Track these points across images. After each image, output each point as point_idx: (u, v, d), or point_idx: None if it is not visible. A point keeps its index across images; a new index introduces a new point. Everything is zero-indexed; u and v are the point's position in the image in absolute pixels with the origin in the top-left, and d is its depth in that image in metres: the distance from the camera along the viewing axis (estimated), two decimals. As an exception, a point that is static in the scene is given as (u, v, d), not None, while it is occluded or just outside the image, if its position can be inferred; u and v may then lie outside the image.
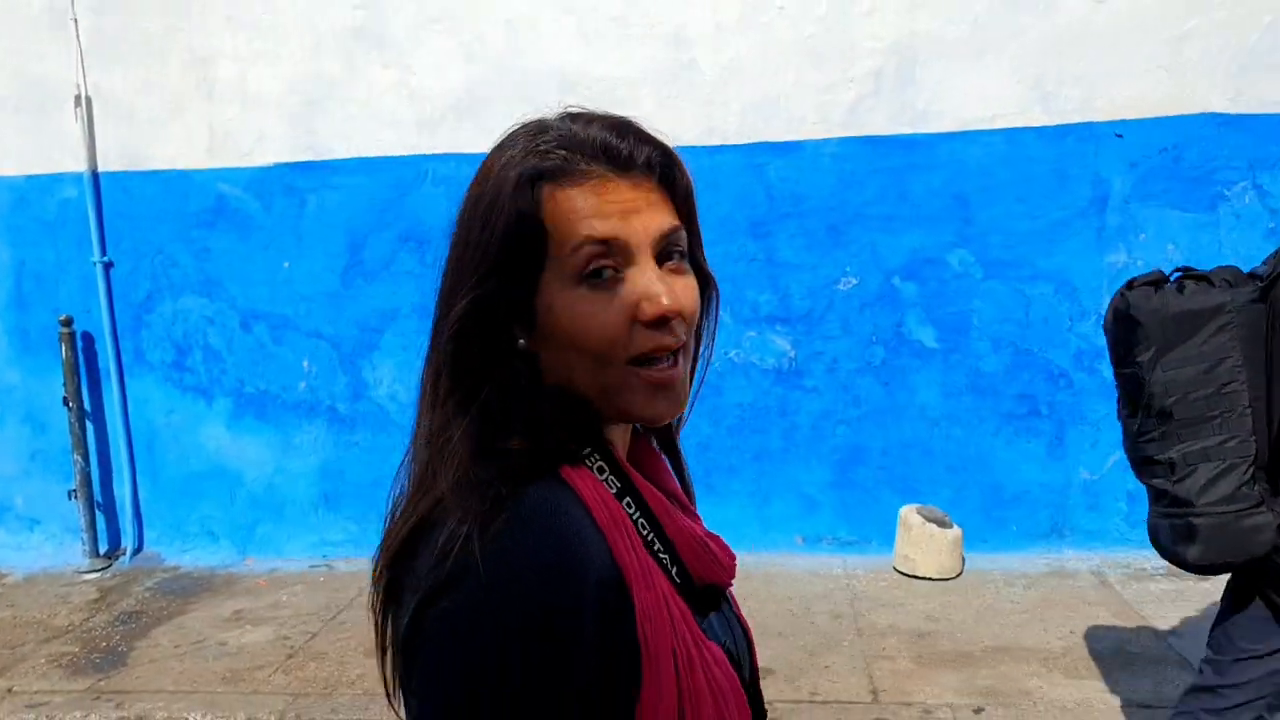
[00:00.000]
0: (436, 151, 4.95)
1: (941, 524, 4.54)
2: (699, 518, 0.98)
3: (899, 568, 4.59)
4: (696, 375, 0.93)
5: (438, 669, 0.77)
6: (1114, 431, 4.69)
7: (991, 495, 4.76)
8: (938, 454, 4.76)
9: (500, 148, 0.88)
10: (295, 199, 5.06)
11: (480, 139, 5.07)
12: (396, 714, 0.86)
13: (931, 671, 3.63)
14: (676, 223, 0.88)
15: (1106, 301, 4.61)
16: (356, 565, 4.99)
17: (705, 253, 0.95)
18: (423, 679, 0.79)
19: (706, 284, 0.94)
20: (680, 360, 0.88)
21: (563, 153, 0.85)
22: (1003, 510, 4.76)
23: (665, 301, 0.84)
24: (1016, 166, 4.56)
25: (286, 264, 5.10)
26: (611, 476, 0.87)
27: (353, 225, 5.04)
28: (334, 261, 5.07)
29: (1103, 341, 4.65)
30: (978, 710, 3.35)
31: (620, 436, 0.92)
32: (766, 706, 1.01)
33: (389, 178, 5.00)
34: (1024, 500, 4.74)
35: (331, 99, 5.01)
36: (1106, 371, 4.63)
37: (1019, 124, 4.54)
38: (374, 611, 0.86)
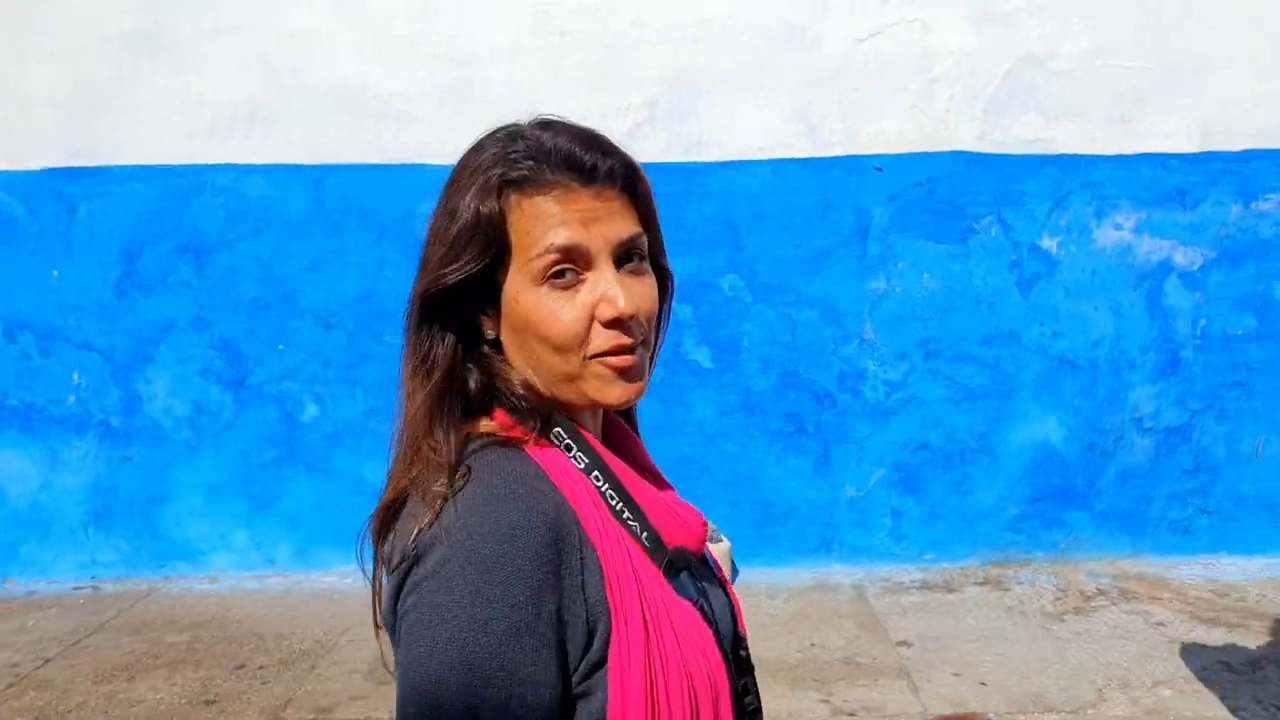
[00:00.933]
0: (217, 161, 4.86)
1: (711, 538, 4.67)
2: (670, 487, 1.05)
3: (670, 582, 4.71)
4: (653, 367, 1.00)
5: (424, 626, 0.84)
6: (876, 449, 4.97)
7: (762, 511, 4.93)
8: (713, 470, 4.92)
9: (473, 151, 0.95)
10: (65, 205, 4.88)
11: (264, 150, 5.05)
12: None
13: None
14: (638, 230, 0.95)
15: (868, 326, 4.85)
16: (126, 586, 4.83)
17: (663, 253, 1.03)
18: (409, 640, 0.85)
19: (665, 280, 1.02)
20: (639, 351, 0.95)
21: (530, 162, 0.92)
22: (774, 525, 4.94)
23: (621, 304, 0.91)
24: (784, 196, 4.76)
25: (55, 273, 4.91)
26: (579, 453, 0.94)
27: (128, 234, 4.89)
28: (107, 271, 4.90)
29: (865, 363, 4.87)
30: None
31: (590, 417, 1.00)
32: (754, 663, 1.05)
33: (167, 186, 4.87)
34: (793, 516, 4.93)
35: (109, 104, 4.85)
36: (869, 393, 4.89)
37: (786, 155, 4.74)
38: (374, 583, 0.94)
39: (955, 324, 4.79)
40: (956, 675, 3.79)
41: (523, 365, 0.95)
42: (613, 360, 0.93)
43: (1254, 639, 4.04)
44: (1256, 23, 4.60)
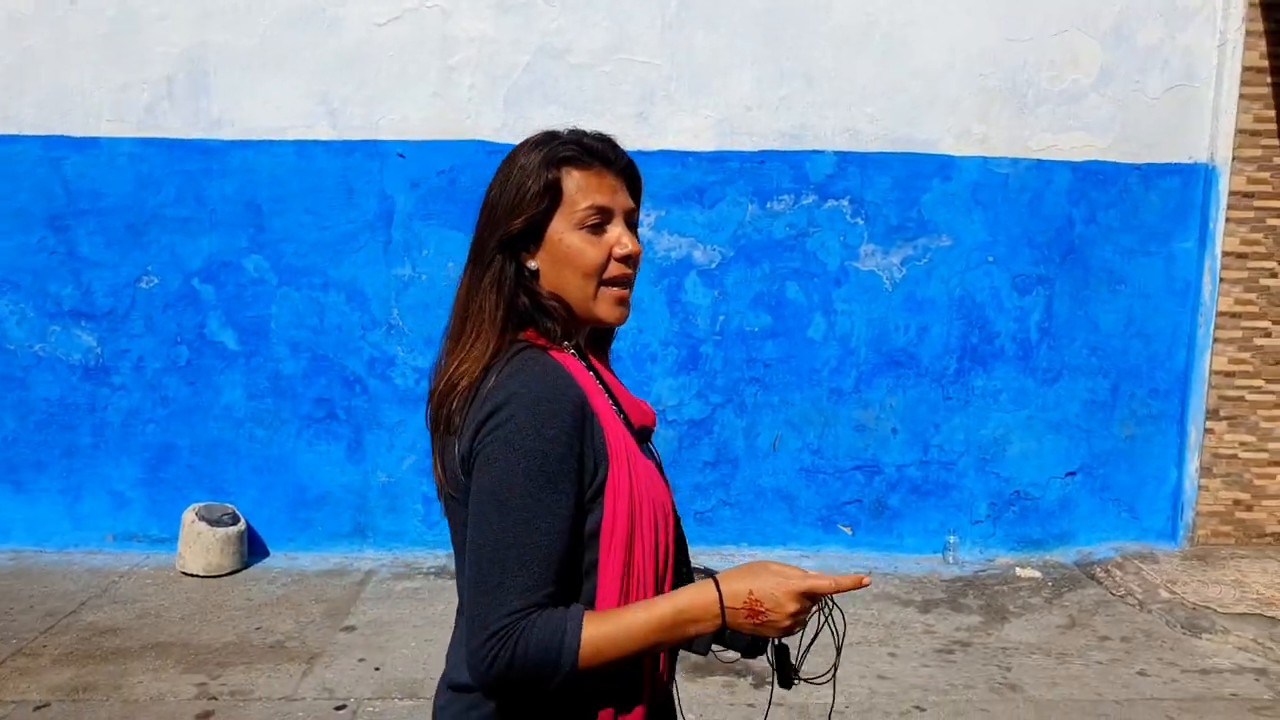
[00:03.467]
0: None
1: (219, 523, 4.65)
2: (626, 389, 1.46)
3: (179, 565, 4.67)
4: None
5: (500, 451, 1.21)
6: (407, 436, 4.98)
7: (296, 496, 4.91)
8: (244, 455, 4.88)
9: (529, 142, 1.36)
10: None
11: None
12: (446, 495, 1.33)
13: (98, 665, 3.71)
14: (635, 205, 1.38)
15: (395, 312, 4.84)
16: None
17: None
18: (487, 461, 1.22)
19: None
20: (631, 288, 1.37)
21: (575, 147, 1.33)
22: (308, 511, 4.92)
23: (630, 246, 1.34)
24: (307, 178, 4.72)
25: None
26: (579, 357, 1.37)
27: None
28: None
29: (394, 349, 4.87)
30: (88, 700, 3.43)
31: (584, 339, 1.41)
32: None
33: None
34: (327, 501, 4.92)
35: None
36: (399, 379, 4.89)
37: (308, 137, 4.69)
38: (434, 436, 1.35)
39: (480, 313, 4.80)
40: (361, 660, 3.82)
41: (552, 288, 1.34)
42: (616, 289, 1.35)
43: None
44: (769, 27, 4.69)
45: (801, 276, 4.85)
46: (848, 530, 4.98)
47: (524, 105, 4.71)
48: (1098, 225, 4.83)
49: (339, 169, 4.72)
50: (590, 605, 1.26)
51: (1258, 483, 4.95)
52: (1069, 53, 4.72)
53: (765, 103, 4.73)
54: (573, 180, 1.32)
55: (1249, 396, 4.90)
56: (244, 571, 4.71)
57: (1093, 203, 4.82)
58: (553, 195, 1.31)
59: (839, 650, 1.34)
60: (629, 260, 1.34)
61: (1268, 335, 4.87)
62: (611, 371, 1.46)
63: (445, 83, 4.69)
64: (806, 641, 1.36)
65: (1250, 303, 4.85)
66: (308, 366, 4.84)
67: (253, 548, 4.87)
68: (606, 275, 1.33)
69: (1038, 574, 4.80)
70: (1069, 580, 4.71)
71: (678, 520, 1.40)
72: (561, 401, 1.25)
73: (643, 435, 1.40)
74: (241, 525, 4.73)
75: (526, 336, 1.33)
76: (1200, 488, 4.94)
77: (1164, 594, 4.43)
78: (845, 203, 4.80)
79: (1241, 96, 4.71)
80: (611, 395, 1.37)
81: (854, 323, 4.87)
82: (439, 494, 1.35)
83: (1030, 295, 4.86)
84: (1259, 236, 4.80)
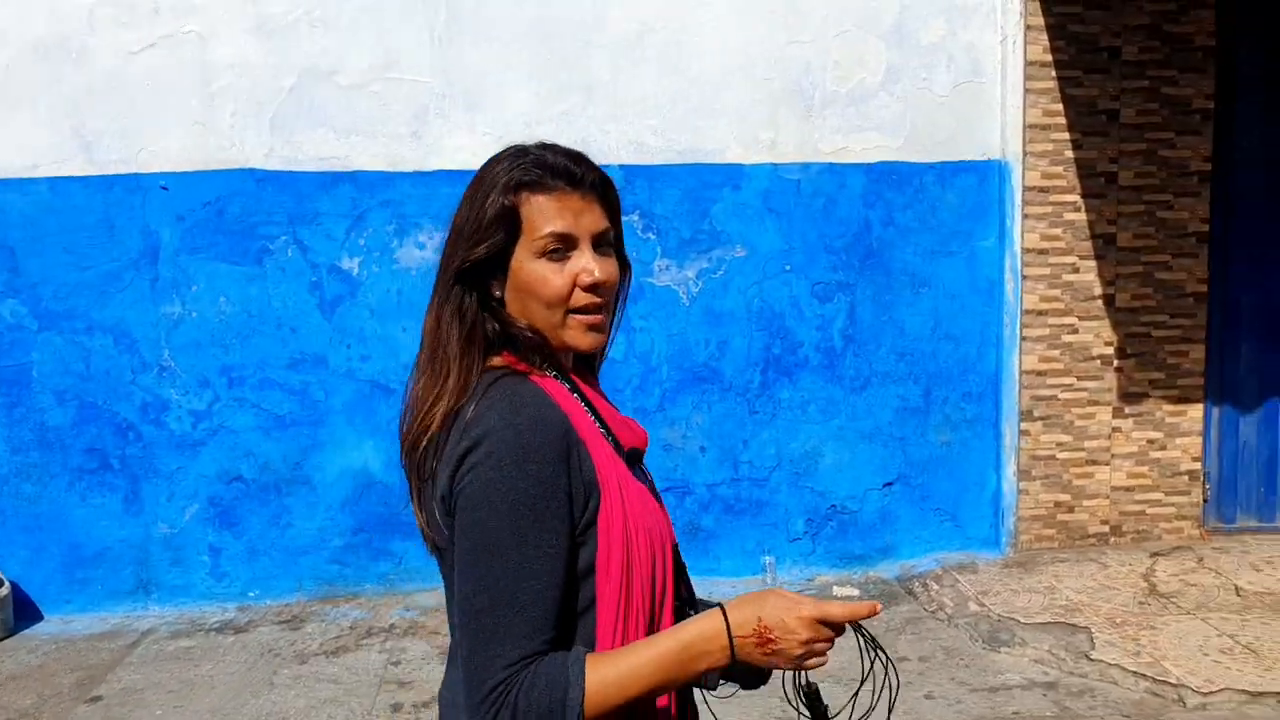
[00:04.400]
0: None
1: (-21, 591, 4.33)
2: (619, 411, 1.39)
3: (-66, 637, 4.34)
4: (613, 333, 1.34)
5: (481, 491, 1.15)
6: (188, 483, 4.69)
7: (71, 554, 4.60)
8: (10, 514, 4.55)
9: (492, 161, 1.27)
10: None
11: None
12: (433, 544, 1.26)
13: None
14: (607, 225, 1.28)
15: (166, 353, 4.58)
16: None
17: (623, 245, 1.35)
18: (469, 503, 1.15)
19: (625, 266, 1.34)
20: (604, 312, 1.28)
21: (537, 170, 1.23)
22: (85, 570, 4.61)
23: (596, 273, 1.24)
24: (64, 216, 4.46)
25: None
26: (561, 380, 1.27)
27: None
28: None
29: (167, 392, 4.63)
30: None
31: (567, 360, 1.31)
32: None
33: None
34: (105, 558, 4.61)
35: None
36: (175, 424, 4.62)
37: (62, 173, 4.44)
38: (411, 482, 1.27)
39: (258, 349, 4.56)
40: (90, 733, 3.53)
41: (519, 317, 1.26)
42: (584, 317, 1.26)
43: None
44: (544, 41, 4.54)
45: (596, 295, 4.67)
46: (662, 556, 4.76)
47: (291, 130, 4.50)
48: (896, 227, 4.72)
49: (98, 205, 4.47)
50: (590, 646, 1.19)
51: (1077, 483, 4.82)
52: (853, 53, 4.63)
53: (545, 118, 4.57)
54: (532, 206, 1.24)
55: (1062, 395, 4.78)
56: (7, 641, 4.38)
57: (889, 204, 4.71)
58: (510, 223, 1.24)
59: (891, 703, 1.24)
60: (596, 288, 1.25)
61: (1075, 332, 4.77)
62: (599, 392, 1.38)
63: (207, 110, 4.47)
64: (858, 686, 1.24)
65: (1055, 299, 4.75)
66: (76, 415, 4.55)
67: (24, 613, 4.54)
68: (572, 304, 1.25)
69: (855, 591, 4.62)
70: (886, 596, 4.53)
71: (676, 548, 1.34)
72: (544, 432, 1.18)
73: (633, 457, 1.34)
74: (5, 590, 4.40)
75: (505, 361, 1.26)
76: (1020, 491, 4.80)
77: (974, 606, 4.26)
78: (635, 217, 4.63)
79: (1029, 91, 4.64)
80: (599, 418, 1.30)
81: (654, 340, 4.69)
82: (425, 543, 1.29)
83: (832, 302, 4.72)
84: (1058, 231, 4.71)
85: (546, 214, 1.23)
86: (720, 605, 1.18)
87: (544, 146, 1.29)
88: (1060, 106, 4.66)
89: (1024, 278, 4.72)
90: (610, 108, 4.58)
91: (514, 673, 1.12)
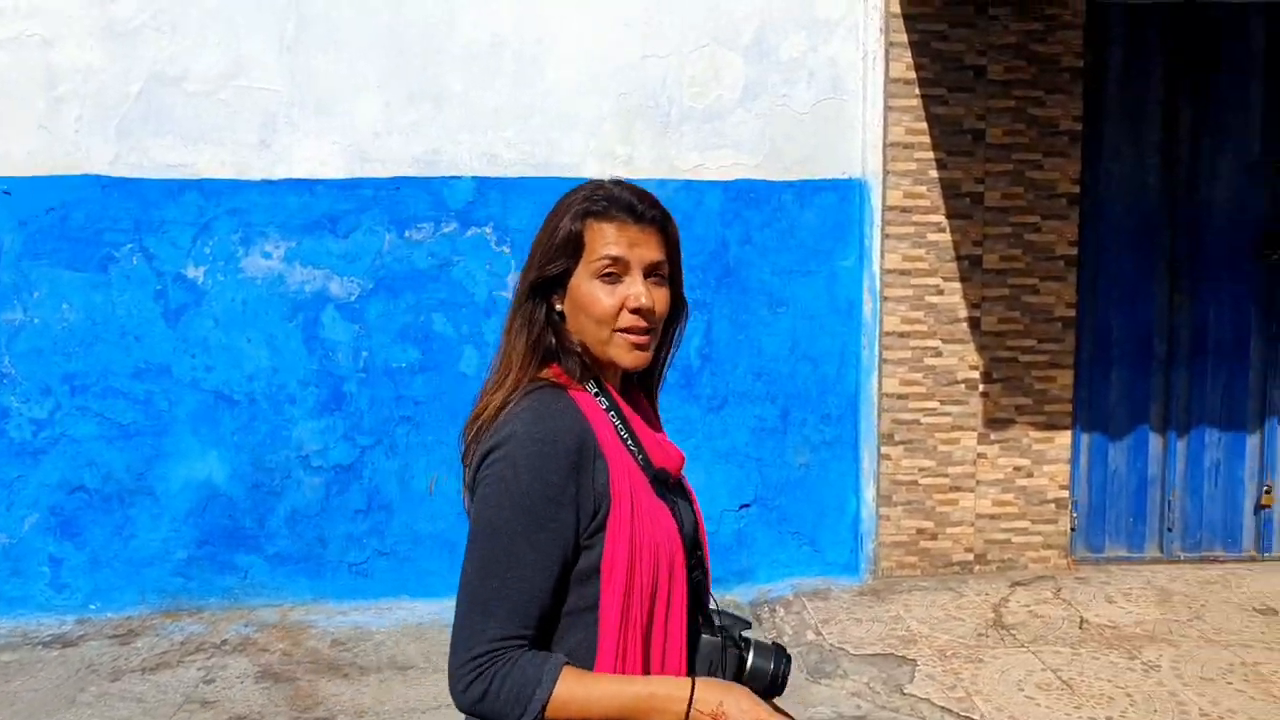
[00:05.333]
0: None
1: None
2: (664, 434, 1.52)
3: None
4: (666, 362, 1.55)
5: (494, 485, 1.31)
6: (28, 492, 4.61)
7: (-91, 561, 4.53)
8: None
9: (572, 191, 1.45)
10: None
11: None
12: None
13: None
14: (661, 257, 1.42)
15: (6, 359, 4.51)
16: None
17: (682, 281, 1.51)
18: (483, 492, 1.33)
19: (681, 303, 1.50)
20: (650, 336, 1.41)
21: (604, 202, 1.41)
22: (-77, 577, 4.54)
23: (643, 300, 1.38)
24: (-97, 219, 4.41)
25: None
26: (601, 398, 1.41)
27: None
28: None
29: (7, 400, 4.57)
30: None
31: (613, 378, 1.45)
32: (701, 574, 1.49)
33: None
34: (-55, 566, 4.55)
35: None
36: (15, 431, 4.54)
37: (-97, 176, 4.39)
38: (464, 466, 1.42)
39: (101, 357, 4.50)
40: None
41: (574, 331, 1.40)
42: (630, 336, 1.38)
43: (305, 697, 3.82)
44: (394, 49, 4.47)
45: (448, 308, 4.59)
46: (513, 576, 4.67)
47: (138, 136, 4.44)
48: (754, 246, 4.64)
49: (-62, 209, 4.42)
50: (591, 644, 1.33)
51: (941, 509, 4.72)
52: (710, 68, 4.55)
53: (396, 127, 4.50)
54: (594, 231, 1.39)
55: (925, 419, 4.69)
56: None
57: (747, 223, 4.63)
58: (575, 246, 1.39)
59: None
60: (643, 313, 1.38)
61: (939, 355, 4.67)
62: (645, 412, 1.52)
63: (52, 115, 4.41)
64: None
65: (918, 321, 4.65)
66: (-85, 421, 4.49)
67: None
68: (619, 324, 1.39)
69: (704, 615, 4.52)
70: (732, 621, 4.43)
71: (697, 568, 1.45)
72: (558, 443, 1.31)
73: (662, 477, 1.43)
74: None
75: (551, 373, 1.40)
76: (881, 517, 4.71)
77: (810, 635, 4.16)
78: (488, 230, 4.56)
79: (891, 109, 4.56)
80: (632, 434, 1.41)
81: (506, 355, 4.61)
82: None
83: (689, 320, 4.63)
84: (921, 252, 4.62)
85: (605, 239, 1.38)
86: (693, 678, 1.32)
87: (617, 183, 1.46)
88: (924, 125, 4.58)
89: (885, 299, 4.62)
90: (463, 118, 4.51)
91: (495, 648, 1.27)
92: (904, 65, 4.55)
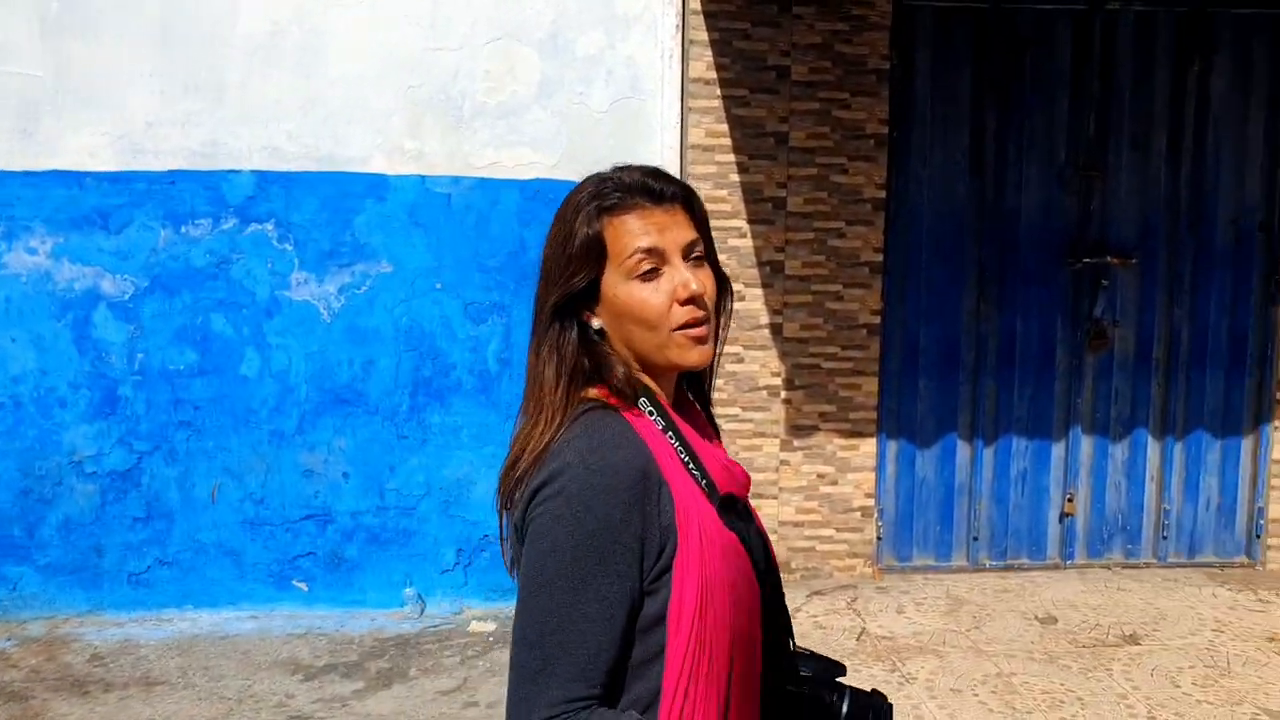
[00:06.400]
0: None
1: None
2: (724, 449, 1.37)
3: None
4: (719, 354, 1.33)
5: (548, 526, 1.15)
6: None
7: None
8: None
9: (573, 193, 1.30)
10: None
11: None
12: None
13: None
14: (695, 235, 1.27)
15: None
16: None
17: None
18: (535, 536, 1.16)
19: (723, 280, 1.32)
20: (708, 325, 1.26)
21: (617, 194, 1.26)
22: None
23: (694, 286, 1.23)
24: None
25: None
26: (658, 418, 1.25)
27: None
28: None
29: None
30: None
31: (666, 388, 1.30)
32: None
33: None
34: None
35: None
36: None
37: None
38: (500, 512, 1.29)
39: None
40: None
41: (620, 344, 1.26)
42: (691, 331, 1.24)
43: (31, 718, 3.64)
44: (169, 36, 4.24)
45: (228, 308, 4.40)
46: (302, 586, 4.51)
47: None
48: (553, 247, 4.50)
49: None
50: (655, 697, 1.18)
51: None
52: (505, 63, 4.39)
53: (170, 118, 4.28)
54: (615, 228, 1.24)
55: (727, 426, 4.57)
56: None
57: (546, 223, 4.45)
58: (597, 250, 1.24)
59: None
60: (696, 300, 1.23)
61: (740, 361, 4.58)
62: (705, 428, 1.36)
63: None
64: None
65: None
66: None
67: None
68: (674, 321, 1.23)
69: (493, 626, 4.41)
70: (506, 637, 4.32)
71: (774, 605, 1.31)
72: (620, 474, 1.16)
73: (729, 503, 1.27)
74: None
75: (599, 394, 1.24)
76: (682, 525, 4.63)
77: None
78: (270, 227, 4.37)
79: (691, 110, 4.44)
80: (694, 458, 1.25)
81: (291, 358, 4.43)
82: (511, 576, 1.27)
83: (486, 324, 4.49)
84: (723, 257, 4.49)
85: (632, 233, 1.23)
86: None
87: (620, 168, 1.30)
88: (725, 127, 4.47)
89: (687, 304, 4.52)
90: (241, 110, 4.30)
91: (562, 714, 1.11)
92: (704, 65, 4.44)
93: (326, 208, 4.38)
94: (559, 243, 1.26)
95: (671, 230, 1.24)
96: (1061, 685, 3.65)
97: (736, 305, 4.52)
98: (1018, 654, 3.89)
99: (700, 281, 1.24)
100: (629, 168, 1.30)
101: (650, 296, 1.22)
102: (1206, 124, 4.72)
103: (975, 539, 4.82)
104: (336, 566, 4.51)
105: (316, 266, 4.40)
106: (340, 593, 4.54)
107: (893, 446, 4.78)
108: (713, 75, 4.44)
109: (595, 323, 1.26)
